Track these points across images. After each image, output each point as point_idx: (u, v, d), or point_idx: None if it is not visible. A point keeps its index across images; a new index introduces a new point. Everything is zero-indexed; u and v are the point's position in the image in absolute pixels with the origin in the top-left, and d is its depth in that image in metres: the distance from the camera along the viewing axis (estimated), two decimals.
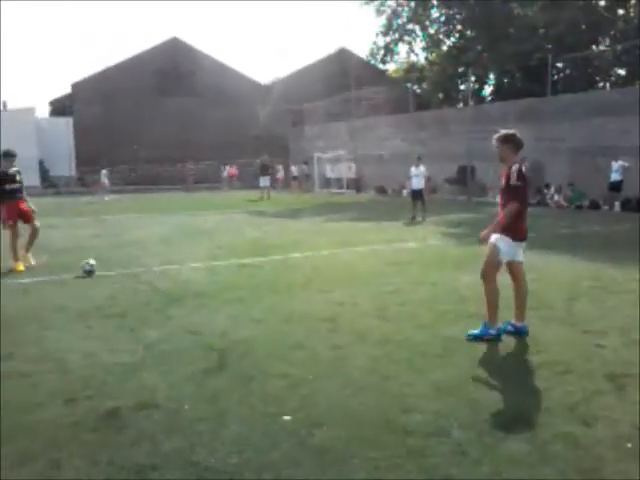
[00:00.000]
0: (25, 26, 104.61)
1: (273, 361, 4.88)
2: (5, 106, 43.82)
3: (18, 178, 9.62)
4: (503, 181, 5.38)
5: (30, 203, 9.86)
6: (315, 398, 4.12)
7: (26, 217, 9.72)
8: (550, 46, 30.64)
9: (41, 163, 39.99)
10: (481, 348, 5.11)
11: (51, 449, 3.45)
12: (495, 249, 5.27)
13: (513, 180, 5.21)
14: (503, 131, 5.49)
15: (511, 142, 5.39)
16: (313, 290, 7.58)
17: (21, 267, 9.26)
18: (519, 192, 5.24)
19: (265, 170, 28.09)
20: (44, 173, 40.34)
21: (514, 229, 5.27)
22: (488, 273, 5.32)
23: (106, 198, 29.52)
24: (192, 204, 24.87)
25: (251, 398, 4.14)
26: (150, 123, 41.27)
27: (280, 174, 35.90)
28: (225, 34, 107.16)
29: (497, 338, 5.26)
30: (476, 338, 5.26)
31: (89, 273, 8.70)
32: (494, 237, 5.31)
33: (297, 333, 5.67)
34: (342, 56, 46.65)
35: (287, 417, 3.81)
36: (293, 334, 5.64)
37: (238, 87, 44.18)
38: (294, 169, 34.99)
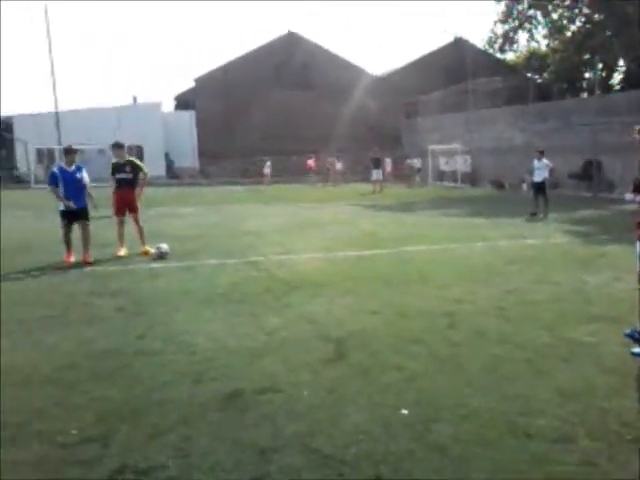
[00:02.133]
0: (154, 26, 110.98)
1: (390, 354, 4.89)
2: (135, 101, 46.77)
3: (127, 169, 10.08)
4: None
5: (138, 199, 10.30)
6: (433, 394, 4.08)
7: (131, 207, 10.20)
8: None
9: (167, 155, 42.38)
10: (610, 354, 4.83)
11: (181, 425, 3.67)
12: None
13: None
14: None
15: None
16: (429, 285, 7.49)
17: (122, 253, 9.91)
18: None
19: (377, 163, 28.04)
20: (169, 164, 42.72)
21: None
22: None
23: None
24: (303, 196, 25.30)
25: (368, 389, 4.18)
26: (266, 116, 42.35)
27: (388, 167, 35.43)
28: (340, 25, 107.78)
29: None
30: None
31: (162, 256, 9.54)
32: None
33: (414, 327, 5.64)
34: (458, 46, 45.48)
35: (404, 411, 3.82)
36: (409, 328, 5.62)
37: (352, 79, 44.28)
38: (412, 162, 34.66)
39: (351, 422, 3.68)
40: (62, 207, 9.35)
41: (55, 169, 9.54)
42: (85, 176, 9.56)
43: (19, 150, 41.18)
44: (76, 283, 7.93)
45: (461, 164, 33.40)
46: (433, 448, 3.35)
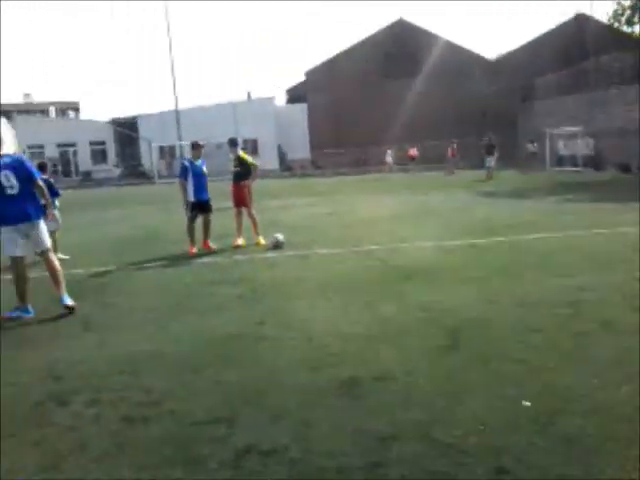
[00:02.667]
0: (266, 22, 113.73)
1: (509, 344, 4.74)
2: (249, 96, 48.31)
3: (236, 163, 10.38)
4: None
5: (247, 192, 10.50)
6: (556, 386, 3.91)
7: (242, 201, 10.48)
8: None
9: (279, 147, 43.46)
10: None
11: (301, 410, 3.75)
12: None
13: None
14: None
15: None
16: (549, 273, 7.17)
17: (240, 242, 10.27)
18: None
19: (491, 149, 27.24)
20: (282, 156, 43.79)
21: None
22: None
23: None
24: (413, 184, 25.02)
25: (487, 379, 4.08)
26: (377, 105, 42.21)
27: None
28: (451, 9, 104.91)
29: None
30: None
31: (279, 245, 9.75)
32: None
33: (533, 317, 5.43)
34: (578, 22, 42.88)
35: (526, 402, 3.69)
36: (529, 318, 5.42)
37: (464, 64, 43.11)
38: (533, 146, 33.33)
39: (470, 412, 3.61)
40: (192, 198, 9.88)
41: (186, 162, 10.13)
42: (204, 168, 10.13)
43: (143, 147, 43.97)
44: (198, 272, 8.35)
45: (582, 147, 31.59)
46: (558, 440, 3.22)
